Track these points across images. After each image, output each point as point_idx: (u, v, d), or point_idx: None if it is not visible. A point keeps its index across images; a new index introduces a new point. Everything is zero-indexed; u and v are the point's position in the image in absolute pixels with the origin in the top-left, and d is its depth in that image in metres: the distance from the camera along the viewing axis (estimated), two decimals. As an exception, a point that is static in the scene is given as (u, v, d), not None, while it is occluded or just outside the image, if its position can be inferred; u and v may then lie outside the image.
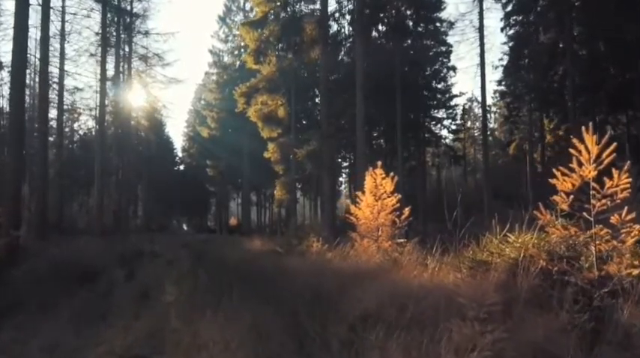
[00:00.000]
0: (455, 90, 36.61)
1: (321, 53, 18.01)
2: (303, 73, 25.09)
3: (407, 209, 8.70)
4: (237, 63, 35.85)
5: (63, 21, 21.49)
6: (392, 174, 8.96)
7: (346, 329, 4.13)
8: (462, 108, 38.81)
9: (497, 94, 38.53)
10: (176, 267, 10.53)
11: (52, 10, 16.73)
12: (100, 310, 6.14)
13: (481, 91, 22.98)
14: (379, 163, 9.00)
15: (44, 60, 16.34)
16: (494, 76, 46.24)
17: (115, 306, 6.34)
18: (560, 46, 24.14)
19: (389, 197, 8.73)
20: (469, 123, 47.27)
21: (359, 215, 8.98)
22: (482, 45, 22.22)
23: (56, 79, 23.75)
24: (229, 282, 5.54)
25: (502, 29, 26.20)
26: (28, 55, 19.64)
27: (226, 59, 38.23)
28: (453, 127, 35.26)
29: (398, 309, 4.52)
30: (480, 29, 22.12)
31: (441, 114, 32.65)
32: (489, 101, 37.55)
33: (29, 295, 7.08)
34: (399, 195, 8.71)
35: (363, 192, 9.05)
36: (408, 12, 26.63)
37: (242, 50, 34.86)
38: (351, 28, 26.41)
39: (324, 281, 5.19)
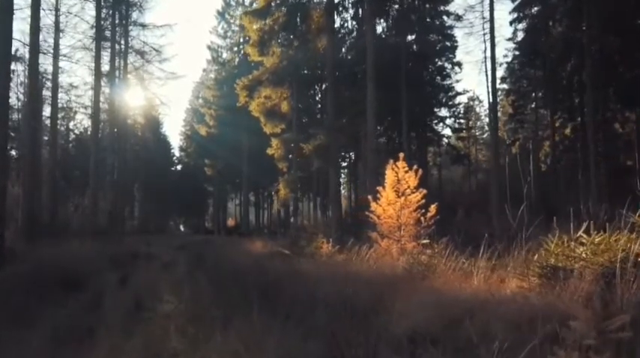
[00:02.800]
0: (458, 88, 35.97)
1: (328, 42, 17.11)
2: (305, 69, 24.23)
3: (433, 206, 7.82)
4: (237, 59, 34.91)
5: (57, 10, 20.47)
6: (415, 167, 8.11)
7: (396, 354, 3.23)
8: (464, 106, 38.13)
9: (500, 92, 37.72)
10: (174, 271, 9.60)
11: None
12: (86, 324, 5.21)
13: (491, 83, 22.13)
14: (401, 155, 8.12)
15: (34, 49, 15.36)
16: (498, 73, 45.23)
17: (103, 319, 5.40)
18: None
19: (413, 193, 7.86)
20: (470, 123, 46.47)
21: (379, 213, 8.09)
22: (492, 38, 21.33)
23: (50, 76, 22.71)
24: (241, 293, 4.60)
25: (511, 22, 25.37)
26: (24, 50, 18.70)
27: (225, 55, 37.30)
28: (456, 126, 34.50)
29: (454, 327, 3.62)
30: (491, 20, 21.25)
31: (444, 112, 31.93)
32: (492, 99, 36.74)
33: (6, 305, 6.14)
34: (424, 191, 7.82)
35: (383, 187, 8.16)
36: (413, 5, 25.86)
37: (241, 46, 33.93)
38: (354, 22, 25.62)
39: (356, 292, 4.27)
